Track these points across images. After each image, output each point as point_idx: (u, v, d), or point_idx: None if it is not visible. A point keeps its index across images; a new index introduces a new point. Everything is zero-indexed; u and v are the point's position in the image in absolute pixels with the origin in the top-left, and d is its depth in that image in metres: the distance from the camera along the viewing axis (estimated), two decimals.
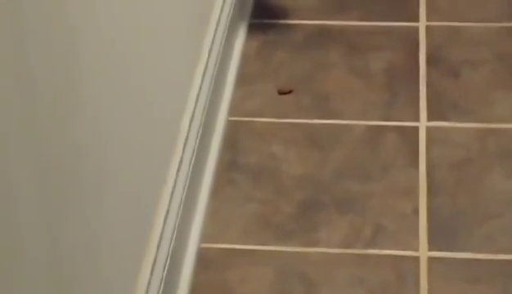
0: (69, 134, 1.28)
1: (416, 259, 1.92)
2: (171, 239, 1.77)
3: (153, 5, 1.70)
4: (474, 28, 2.48)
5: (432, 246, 1.94)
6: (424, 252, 1.93)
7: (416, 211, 2.01)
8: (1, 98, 1.02)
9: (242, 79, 2.35)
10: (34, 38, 1.13)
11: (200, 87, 2.04)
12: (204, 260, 1.93)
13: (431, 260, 1.92)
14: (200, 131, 1.99)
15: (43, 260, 1.19)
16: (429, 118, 2.23)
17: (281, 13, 2.54)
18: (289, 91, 2.30)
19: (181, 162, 1.87)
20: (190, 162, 1.92)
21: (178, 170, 1.86)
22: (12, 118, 1.06)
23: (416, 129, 2.20)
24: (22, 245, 1.14)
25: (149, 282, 1.66)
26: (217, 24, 2.20)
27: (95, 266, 1.42)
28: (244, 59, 2.41)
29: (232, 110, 2.26)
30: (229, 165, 2.13)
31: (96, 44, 1.38)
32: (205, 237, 1.97)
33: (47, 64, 1.17)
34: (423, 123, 2.22)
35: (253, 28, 2.50)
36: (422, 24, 2.50)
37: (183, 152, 1.89)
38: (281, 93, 2.30)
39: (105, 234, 1.46)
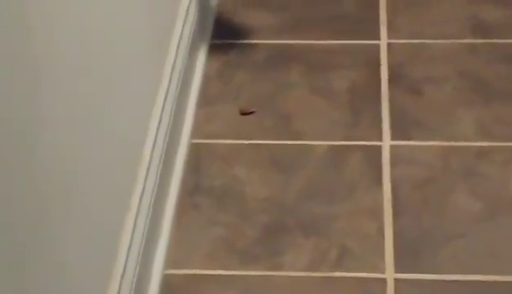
0: (30, 163, 1.26)
1: (383, 281, 1.91)
2: (135, 267, 1.75)
3: (113, 28, 1.69)
4: (436, 45, 2.48)
5: (398, 267, 1.94)
6: (390, 274, 1.92)
7: (382, 232, 2.00)
8: None
9: (204, 100, 2.34)
10: None
11: (162, 110, 2.02)
12: (169, 286, 1.91)
13: (398, 281, 1.91)
14: (163, 155, 1.98)
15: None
16: (393, 137, 2.22)
17: (242, 33, 2.53)
18: (251, 112, 2.29)
19: (144, 187, 1.86)
20: (154, 187, 1.91)
21: (141, 195, 1.84)
22: None
23: (380, 148, 2.20)
24: None
25: None
26: (178, 46, 2.18)
27: (61, 272, 1.40)
28: (206, 79, 2.39)
29: (195, 132, 2.24)
30: (192, 189, 2.11)
31: (56, 69, 1.36)
32: (170, 263, 1.96)
33: (6, 89, 1.15)
34: (386, 142, 2.21)
35: (214, 49, 2.49)
36: (383, 42, 2.50)
37: (146, 177, 1.88)
38: (243, 114, 2.29)
39: (69, 262, 1.44)
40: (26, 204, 1.24)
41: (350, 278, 1.92)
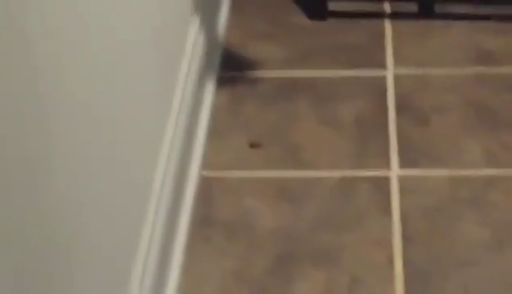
0: (41, 202, 1.26)
1: None
2: None
3: (120, 62, 1.69)
4: (442, 74, 2.49)
5: None
6: None
7: (391, 261, 2.00)
8: None
9: (213, 133, 2.34)
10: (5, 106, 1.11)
11: (172, 143, 2.03)
12: None
13: None
14: (173, 188, 1.98)
15: None
16: (401, 167, 2.22)
17: (249, 65, 2.54)
18: (260, 145, 2.29)
19: (154, 221, 1.86)
20: (164, 221, 1.90)
21: (152, 230, 1.84)
22: None
23: (388, 178, 2.20)
24: None
25: None
26: (186, 79, 2.19)
27: None
28: (215, 112, 2.40)
29: (204, 165, 2.25)
30: (203, 221, 2.11)
31: (66, 106, 1.37)
32: None
33: (18, 129, 1.16)
34: (394, 172, 2.21)
35: (222, 82, 2.49)
36: (389, 72, 2.50)
37: (156, 211, 1.88)
38: (252, 146, 2.29)
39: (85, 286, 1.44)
40: (36, 242, 1.24)
41: None
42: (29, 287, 1.21)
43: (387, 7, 2.72)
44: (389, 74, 2.50)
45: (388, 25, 2.66)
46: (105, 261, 1.58)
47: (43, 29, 1.27)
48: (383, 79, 2.48)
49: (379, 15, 2.70)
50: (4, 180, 1.12)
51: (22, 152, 1.19)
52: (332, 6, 2.69)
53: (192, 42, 2.28)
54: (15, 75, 1.16)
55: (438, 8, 2.70)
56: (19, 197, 1.17)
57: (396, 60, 2.54)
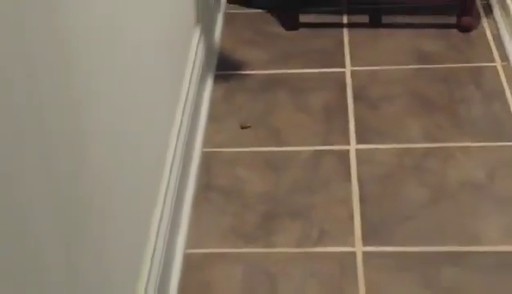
0: (79, 181, 1.24)
1: (354, 253, 1.88)
2: (162, 247, 1.73)
3: (141, 62, 1.67)
4: (389, 70, 2.46)
5: (365, 243, 1.91)
6: (359, 248, 1.90)
7: (351, 217, 1.98)
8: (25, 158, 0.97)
9: (212, 118, 2.31)
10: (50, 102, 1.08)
11: (180, 126, 2.00)
12: (189, 262, 1.88)
13: (365, 253, 1.88)
14: (181, 161, 1.95)
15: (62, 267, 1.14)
16: (358, 142, 2.20)
17: (239, 65, 2.51)
18: (249, 126, 2.27)
19: (168, 186, 1.84)
20: (175, 186, 1.88)
21: (166, 192, 1.82)
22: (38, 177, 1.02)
23: (348, 151, 2.17)
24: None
25: (148, 280, 1.62)
26: (191, 76, 2.16)
27: (101, 267, 1.38)
28: (213, 102, 2.37)
29: (205, 143, 2.22)
30: (205, 187, 2.09)
31: (98, 109, 1.34)
32: (189, 243, 1.93)
33: (61, 122, 1.13)
34: (353, 147, 2.18)
35: (218, 78, 2.46)
36: (348, 70, 2.47)
37: (169, 178, 1.86)
38: (242, 128, 2.26)
39: (112, 236, 1.41)
40: (78, 208, 1.22)
41: (328, 252, 1.89)
42: (71, 237, 1.19)
43: (345, 19, 2.70)
44: (347, 71, 2.47)
45: (346, 33, 2.64)
46: (131, 216, 1.55)
47: (85, 44, 1.25)
48: (343, 75, 2.45)
49: (339, 26, 2.67)
50: (53, 159, 1.10)
51: (65, 138, 1.16)
52: (303, 19, 2.67)
53: (195, 48, 2.25)
54: (55, 76, 1.14)
55: (385, 19, 2.68)
56: (61, 178, 1.14)
57: (352, 60, 2.51)
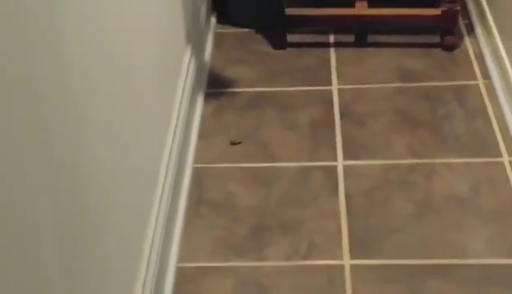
0: (76, 194, 1.24)
1: (342, 266, 1.89)
2: (156, 261, 1.73)
3: (135, 80, 1.68)
4: (374, 88, 2.48)
5: (353, 256, 1.92)
6: (347, 261, 1.91)
7: (339, 230, 1.99)
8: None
9: (202, 135, 2.32)
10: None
11: (172, 142, 2.01)
12: (181, 275, 1.89)
13: (353, 266, 1.89)
14: (173, 176, 1.96)
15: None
16: (345, 158, 2.21)
17: (229, 83, 2.52)
18: (239, 142, 2.28)
19: (160, 200, 1.84)
20: (168, 200, 1.89)
21: (159, 206, 1.82)
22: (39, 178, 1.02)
23: (335, 167, 2.18)
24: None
25: (142, 292, 1.62)
26: (183, 94, 2.17)
27: (97, 281, 1.38)
28: (203, 119, 2.38)
29: (196, 159, 2.23)
30: (196, 201, 2.09)
31: (94, 124, 1.35)
32: (181, 257, 1.93)
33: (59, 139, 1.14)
34: (340, 162, 2.20)
35: (208, 96, 2.47)
36: (334, 88, 2.49)
37: (162, 192, 1.86)
38: (232, 144, 2.27)
39: (107, 251, 1.42)
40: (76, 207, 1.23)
41: (317, 265, 1.90)
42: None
43: (331, 39, 2.71)
44: (334, 89, 2.48)
45: (332, 52, 2.65)
46: (125, 230, 1.56)
47: (80, 59, 1.26)
48: (329, 92, 2.47)
49: (326, 45, 2.69)
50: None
51: (65, 152, 1.17)
52: (290, 39, 2.68)
53: (186, 66, 2.27)
54: (55, 98, 1.14)
55: (371, 38, 2.70)
56: (61, 184, 1.15)
57: (339, 78, 2.53)
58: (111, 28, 1.49)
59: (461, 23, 2.74)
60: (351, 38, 2.71)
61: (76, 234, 1.24)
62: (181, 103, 2.14)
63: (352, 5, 2.66)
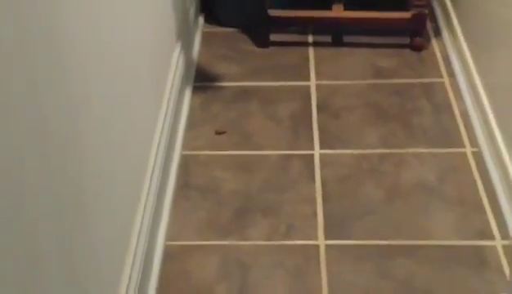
0: (71, 177, 1.22)
1: (317, 246, 1.88)
2: (145, 240, 1.71)
3: (128, 73, 1.65)
4: (349, 84, 2.46)
5: (327, 236, 1.91)
6: (322, 241, 1.89)
7: (315, 213, 1.97)
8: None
9: (190, 125, 2.29)
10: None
11: (161, 131, 1.99)
12: (168, 253, 1.86)
13: (327, 246, 1.88)
14: (162, 163, 1.94)
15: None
16: (321, 148, 2.19)
17: (215, 78, 2.50)
18: (223, 132, 2.25)
19: (150, 184, 1.82)
20: (157, 185, 1.86)
21: (148, 190, 1.80)
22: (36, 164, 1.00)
23: (312, 155, 2.17)
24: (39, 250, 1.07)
25: (132, 267, 1.60)
26: (172, 87, 2.15)
27: (91, 254, 1.36)
28: (191, 110, 2.35)
29: (184, 146, 2.20)
30: (183, 185, 2.07)
31: (90, 112, 1.33)
32: (169, 236, 1.91)
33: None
34: (317, 151, 2.18)
35: (196, 89, 2.45)
36: (312, 83, 2.47)
37: (151, 178, 1.84)
38: (218, 133, 2.25)
39: (100, 230, 1.40)
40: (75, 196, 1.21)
41: (294, 245, 1.89)
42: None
43: (310, 39, 2.70)
44: (312, 84, 2.47)
45: (311, 51, 2.63)
46: (116, 210, 1.54)
47: (78, 52, 1.24)
48: (308, 88, 2.45)
49: (305, 44, 2.67)
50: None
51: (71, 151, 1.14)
52: (273, 38, 2.66)
53: (175, 61, 2.24)
54: (55, 93, 1.12)
55: (346, 39, 2.69)
56: (60, 166, 1.13)
57: (317, 74, 2.51)
58: (108, 26, 1.47)
59: (429, 26, 2.73)
60: (328, 38, 2.69)
61: (70, 213, 1.21)
62: (170, 95, 2.12)
63: (329, 7, 2.65)
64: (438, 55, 2.60)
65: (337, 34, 2.70)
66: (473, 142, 2.17)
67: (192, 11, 2.60)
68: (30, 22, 1.04)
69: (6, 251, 0.95)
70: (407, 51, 2.61)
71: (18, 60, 0.99)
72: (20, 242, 1.00)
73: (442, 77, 2.49)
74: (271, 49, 2.65)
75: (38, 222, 1.07)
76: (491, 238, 1.88)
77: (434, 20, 2.77)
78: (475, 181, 2.05)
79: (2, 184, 0.94)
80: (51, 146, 1.12)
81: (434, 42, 2.67)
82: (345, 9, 2.63)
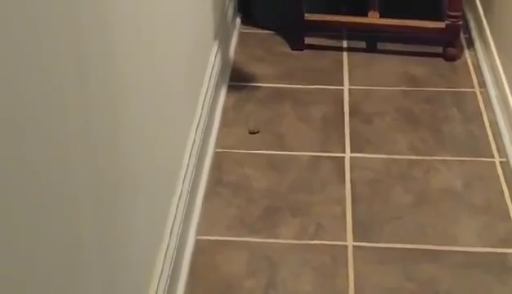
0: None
1: (345, 247, 1.91)
2: (177, 234, 1.75)
3: (168, 73, 1.69)
4: (381, 90, 2.49)
5: (355, 238, 1.93)
6: (350, 242, 1.92)
7: (344, 214, 2.00)
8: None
9: (224, 123, 2.33)
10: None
11: (197, 129, 2.02)
12: (199, 248, 1.90)
13: (355, 247, 1.91)
14: (197, 158, 1.98)
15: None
16: (352, 151, 2.22)
17: (250, 78, 2.53)
18: (257, 132, 2.29)
19: (184, 180, 1.85)
20: (190, 180, 1.90)
21: (182, 186, 1.84)
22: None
23: (343, 158, 2.19)
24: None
25: (164, 259, 1.64)
26: (208, 86, 2.19)
27: (127, 247, 1.40)
28: (225, 110, 2.39)
29: (218, 144, 2.24)
30: (216, 182, 2.11)
31: (130, 109, 1.37)
32: (200, 231, 1.95)
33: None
34: (347, 154, 2.21)
35: (231, 89, 2.48)
36: (346, 88, 2.50)
37: (185, 174, 1.87)
38: (251, 133, 2.29)
39: (136, 223, 1.44)
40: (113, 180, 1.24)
41: (322, 244, 1.92)
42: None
43: (345, 44, 2.72)
44: (345, 89, 2.49)
45: (345, 56, 2.66)
46: (152, 204, 1.58)
47: (123, 53, 1.28)
48: (341, 92, 2.48)
49: (340, 49, 2.69)
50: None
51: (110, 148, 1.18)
52: (308, 41, 2.69)
53: (212, 62, 2.28)
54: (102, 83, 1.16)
55: (380, 46, 2.71)
56: (104, 166, 1.16)
57: (350, 79, 2.54)
58: (148, 25, 1.51)
59: (462, 37, 2.75)
60: (362, 44, 2.71)
61: (108, 207, 1.25)
62: (206, 93, 2.16)
63: (365, 14, 2.67)
64: (470, 65, 2.61)
65: (371, 41, 2.73)
66: (502, 152, 2.19)
67: (230, 11, 2.64)
68: (84, 22, 1.08)
69: (48, 242, 0.99)
70: (440, 61, 2.63)
71: (72, 60, 1.04)
72: (60, 233, 1.04)
73: (473, 87, 2.50)
74: (306, 52, 2.68)
75: (80, 215, 1.11)
76: None
77: (467, 30, 2.78)
78: (502, 191, 2.07)
79: (48, 179, 0.98)
80: (93, 143, 1.16)
81: (467, 53, 2.68)
82: (381, 16, 2.66)
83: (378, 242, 1.91)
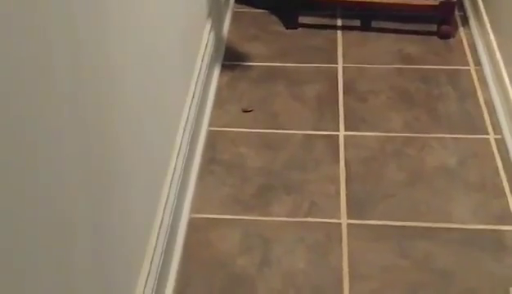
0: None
1: (339, 224, 1.90)
2: (171, 212, 1.74)
3: (161, 50, 1.67)
4: (375, 68, 2.47)
5: (349, 216, 1.92)
6: (344, 220, 1.91)
7: (338, 193, 1.99)
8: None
9: (218, 102, 2.32)
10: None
11: (190, 107, 2.01)
12: (193, 225, 1.89)
13: (349, 225, 1.90)
14: (190, 137, 1.96)
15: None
16: (346, 129, 2.21)
17: (244, 57, 2.52)
18: (251, 110, 2.28)
19: (177, 157, 1.84)
20: (184, 159, 1.89)
21: (175, 164, 1.82)
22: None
23: (337, 136, 2.18)
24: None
25: (158, 236, 1.63)
26: (201, 65, 2.17)
27: (121, 223, 1.39)
28: (219, 88, 2.38)
29: (211, 123, 2.23)
30: (209, 160, 2.10)
31: (125, 85, 1.35)
32: (194, 209, 1.94)
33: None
34: (342, 132, 2.20)
35: (224, 68, 2.47)
36: (340, 66, 2.48)
37: (179, 152, 1.86)
38: (244, 111, 2.27)
39: (129, 201, 1.43)
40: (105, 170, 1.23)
41: (317, 222, 1.91)
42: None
43: (339, 22, 2.71)
44: (339, 67, 2.48)
45: (339, 34, 2.65)
46: (145, 182, 1.57)
47: (116, 30, 1.26)
48: (335, 70, 2.46)
49: (334, 28, 2.68)
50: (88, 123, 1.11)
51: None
52: (302, 20, 2.68)
53: (206, 40, 2.26)
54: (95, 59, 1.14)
55: (374, 24, 2.70)
56: (96, 138, 1.15)
57: (344, 57, 2.52)
58: (140, 1, 1.50)
59: (457, 14, 2.73)
60: (357, 23, 2.70)
61: (102, 184, 1.24)
62: (199, 72, 2.14)
63: None
64: (465, 43, 2.60)
65: (366, 19, 2.71)
66: (497, 129, 2.18)
67: None
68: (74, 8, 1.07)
69: (42, 220, 0.98)
70: (434, 39, 2.62)
71: (62, 31, 1.02)
72: (52, 210, 1.03)
73: (467, 65, 2.49)
74: (300, 31, 2.66)
75: (72, 193, 1.09)
76: (511, 223, 1.89)
77: (462, 8, 2.77)
78: (497, 167, 2.06)
79: (42, 161, 0.97)
80: (85, 121, 1.15)
81: (461, 31, 2.67)
82: None
83: (372, 220, 1.91)
